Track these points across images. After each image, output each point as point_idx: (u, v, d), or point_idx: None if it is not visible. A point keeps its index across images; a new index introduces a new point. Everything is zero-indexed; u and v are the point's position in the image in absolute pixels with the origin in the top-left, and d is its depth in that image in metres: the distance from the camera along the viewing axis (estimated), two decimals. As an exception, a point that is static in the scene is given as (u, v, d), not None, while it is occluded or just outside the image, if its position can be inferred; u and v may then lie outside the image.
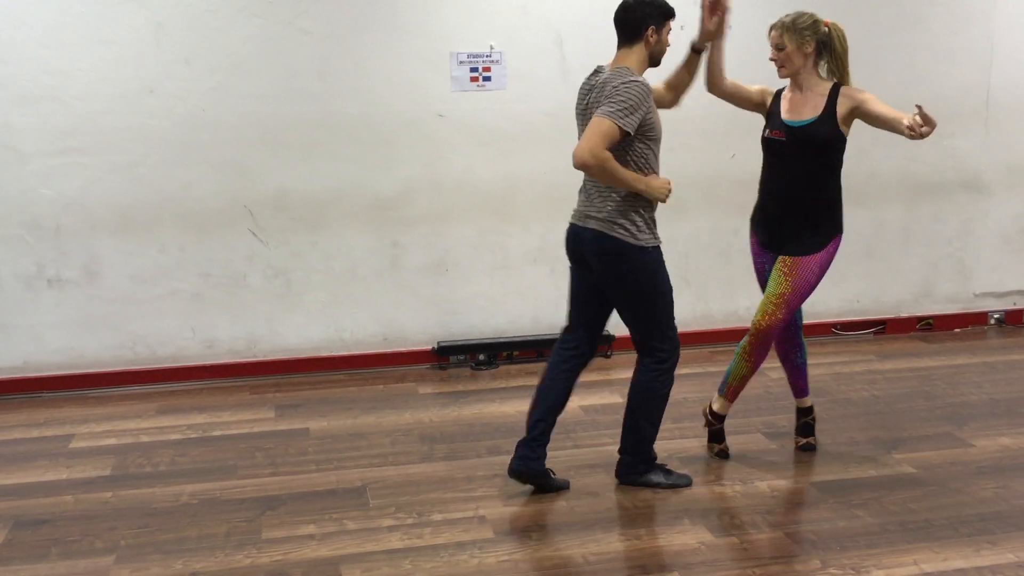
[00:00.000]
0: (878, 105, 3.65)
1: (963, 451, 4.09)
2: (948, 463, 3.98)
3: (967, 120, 5.70)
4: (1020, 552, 3.26)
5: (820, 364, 5.25)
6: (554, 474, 3.79)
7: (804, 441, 4.15)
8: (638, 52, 3.56)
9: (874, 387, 4.90)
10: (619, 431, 3.89)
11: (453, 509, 3.63)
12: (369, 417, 4.60)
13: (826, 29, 3.70)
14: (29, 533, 3.51)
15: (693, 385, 4.91)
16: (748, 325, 5.72)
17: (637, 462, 3.79)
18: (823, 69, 3.77)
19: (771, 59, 3.75)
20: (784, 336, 4.01)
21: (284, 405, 4.78)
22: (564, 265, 5.36)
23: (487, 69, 5.11)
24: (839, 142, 3.73)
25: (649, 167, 3.54)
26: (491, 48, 5.10)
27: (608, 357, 5.41)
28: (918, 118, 3.36)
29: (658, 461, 3.85)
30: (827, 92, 3.72)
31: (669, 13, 3.57)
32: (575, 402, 4.71)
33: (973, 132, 5.74)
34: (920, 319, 5.91)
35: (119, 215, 4.90)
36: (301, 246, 5.11)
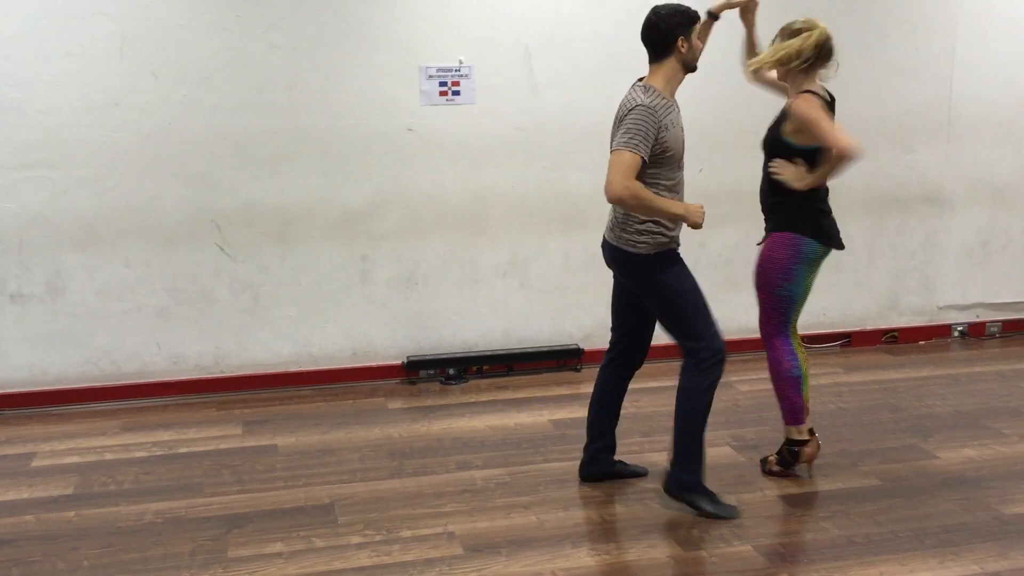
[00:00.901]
0: (788, 126, 3.72)
1: (928, 463, 4.14)
2: (913, 475, 4.03)
3: (930, 135, 5.79)
4: (984, 563, 3.30)
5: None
6: (627, 464, 4.03)
7: (770, 457, 4.12)
8: (668, 66, 3.57)
9: (840, 399, 4.94)
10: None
11: (422, 525, 3.61)
12: (338, 433, 4.57)
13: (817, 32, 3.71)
14: (-11, 554, 3.45)
15: (663, 399, 4.92)
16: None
17: (684, 475, 3.68)
18: (820, 76, 3.79)
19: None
20: None
21: (252, 421, 4.74)
22: (533, 279, 5.41)
23: (456, 83, 5.12)
24: (784, 149, 3.78)
25: (663, 187, 3.55)
26: (460, 62, 5.10)
27: (578, 371, 5.42)
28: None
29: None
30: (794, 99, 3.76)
31: (695, 18, 3.56)
32: (545, 416, 4.72)
33: (936, 147, 5.83)
34: (885, 331, 5.98)
35: (84, 229, 4.84)
36: (269, 260, 5.08)
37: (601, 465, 3.97)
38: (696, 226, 3.56)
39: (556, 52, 5.21)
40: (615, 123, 3.61)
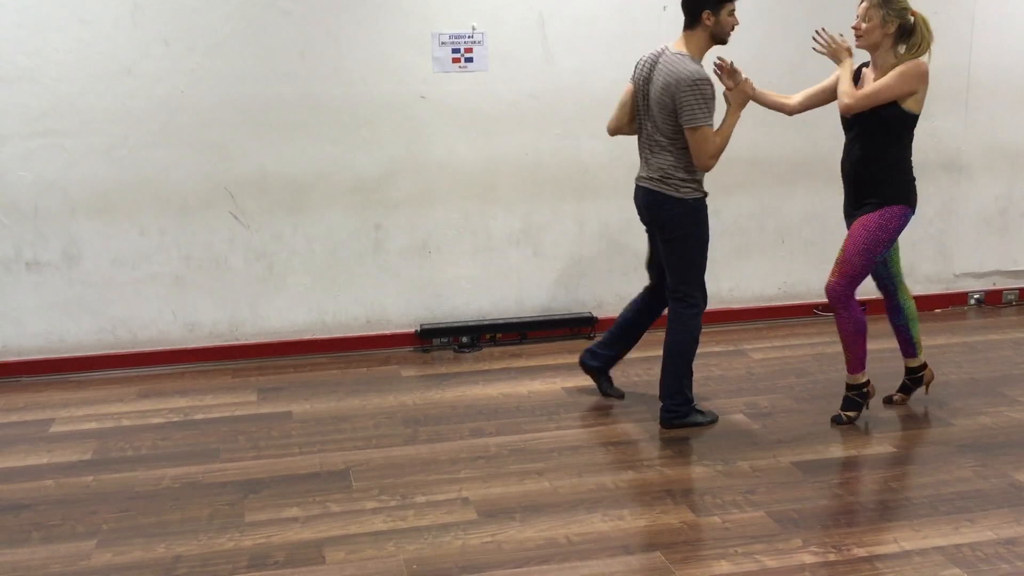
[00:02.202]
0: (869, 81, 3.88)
1: (943, 430, 4.13)
2: (928, 442, 4.02)
3: (948, 101, 5.72)
4: (998, 529, 3.30)
5: (803, 345, 5.28)
6: (612, 382, 4.52)
7: (895, 396, 4.42)
8: (698, 35, 3.88)
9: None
10: (600, 413, 4.16)
11: (436, 491, 3.63)
12: (352, 400, 4.59)
13: (912, 19, 3.81)
14: (10, 518, 3.49)
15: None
16: (730, 307, 5.75)
17: (679, 404, 4.14)
18: (902, 50, 3.85)
19: (853, 27, 3.86)
20: (885, 301, 4.32)
21: (267, 388, 4.77)
22: (547, 247, 5.40)
23: (469, 50, 5.09)
24: (893, 118, 3.84)
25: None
26: (473, 29, 5.07)
27: (591, 339, 5.42)
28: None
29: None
30: (889, 71, 3.82)
31: None
32: (558, 383, 4.73)
33: (954, 113, 5.76)
34: (901, 300, 5.93)
35: (98, 197, 4.85)
36: (283, 229, 5.08)
37: (596, 363, 4.47)
38: (742, 97, 4.00)
39: (570, 19, 5.16)
40: (661, 89, 3.88)
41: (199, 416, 4.42)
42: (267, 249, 5.09)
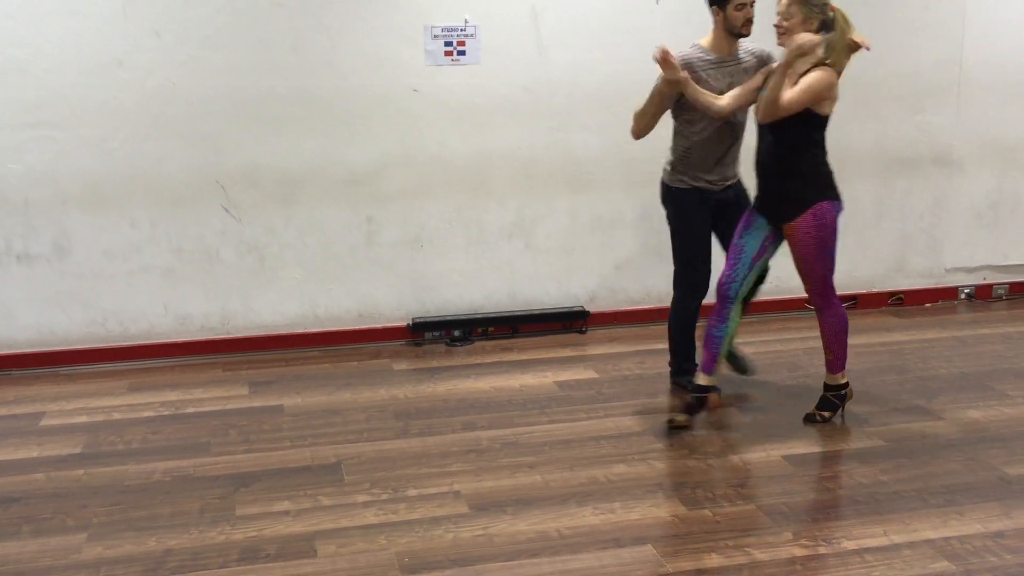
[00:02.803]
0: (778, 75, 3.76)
1: (932, 424, 4.14)
2: (918, 436, 4.03)
3: (940, 96, 5.73)
4: (987, 522, 3.31)
5: (793, 339, 5.29)
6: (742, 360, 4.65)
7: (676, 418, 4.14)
8: (715, 29, 4.14)
9: (847, 360, 4.94)
10: (591, 407, 4.28)
11: (428, 484, 3.63)
12: (344, 393, 4.59)
13: (832, 14, 3.80)
14: (0, 511, 3.48)
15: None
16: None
17: (682, 368, 4.50)
18: (820, 49, 3.80)
19: (775, 24, 3.84)
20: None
21: (258, 382, 4.76)
22: (539, 241, 5.40)
23: (462, 43, 5.07)
24: (798, 118, 3.77)
25: (692, 133, 4.24)
26: (466, 22, 5.06)
27: (583, 333, 5.43)
28: None
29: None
30: (802, 73, 3.78)
31: None
32: (550, 377, 4.74)
33: (945, 108, 5.77)
34: (891, 294, 5.96)
35: (89, 190, 4.84)
36: (274, 222, 5.07)
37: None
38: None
39: (563, 12, 5.15)
40: None
41: (190, 409, 4.42)
42: (259, 242, 5.08)
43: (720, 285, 4.01)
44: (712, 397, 4.09)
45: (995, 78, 5.77)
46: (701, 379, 4.07)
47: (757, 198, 4.05)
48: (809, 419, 4.17)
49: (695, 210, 4.29)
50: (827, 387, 4.18)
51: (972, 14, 5.66)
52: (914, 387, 4.58)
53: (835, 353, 4.09)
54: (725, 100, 4.02)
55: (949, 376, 4.73)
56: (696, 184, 4.26)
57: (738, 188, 4.38)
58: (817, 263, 3.91)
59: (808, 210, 3.85)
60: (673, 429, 4.06)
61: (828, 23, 3.79)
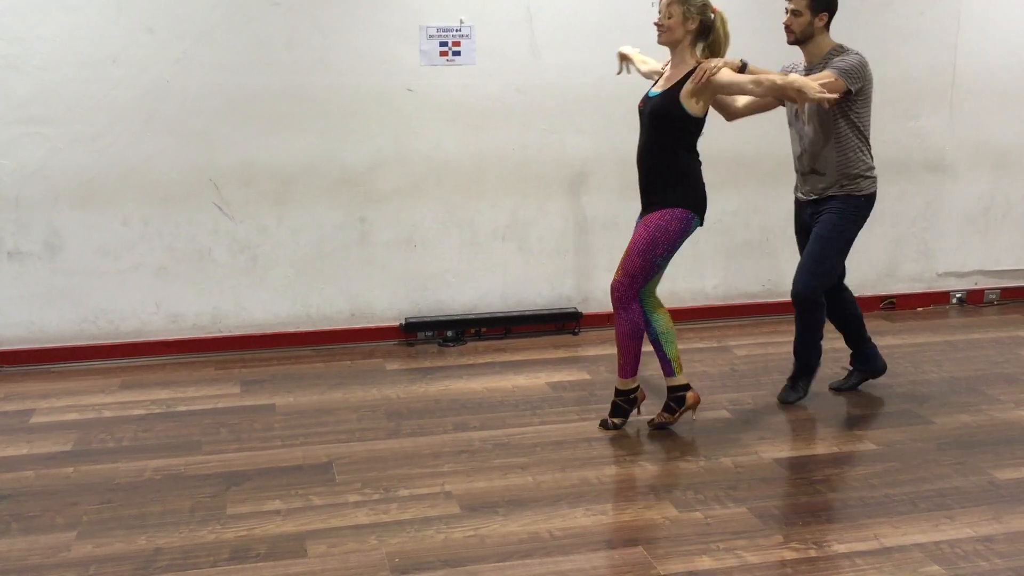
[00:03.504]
0: (726, 75, 3.76)
1: (923, 428, 4.15)
2: (909, 440, 4.04)
3: (933, 101, 5.76)
4: (977, 527, 3.32)
5: (786, 342, 5.26)
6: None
7: (655, 418, 4.16)
8: None
9: (838, 364, 4.94)
10: (584, 408, 4.28)
11: (419, 485, 3.63)
12: (336, 393, 4.58)
13: (712, 15, 3.83)
14: (-11, 508, 3.47)
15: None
16: (715, 303, 5.75)
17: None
18: (699, 49, 3.87)
19: (655, 23, 3.86)
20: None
21: (250, 381, 4.75)
22: (532, 242, 5.40)
23: (456, 44, 5.07)
24: (681, 119, 3.82)
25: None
26: (461, 22, 5.05)
27: (575, 334, 5.43)
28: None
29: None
30: (685, 71, 3.83)
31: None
32: (542, 378, 4.74)
33: (938, 113, 5.79)
34: (883, 298, 5.98)
35: (81, 187, 4.82)
36: (267, 220, 5.06)
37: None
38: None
39: (558, 14, 5.16)
40: None
41: (181, 408, 4.40)
42: (251, 241, 5.07)
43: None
44: (640, 393, 4.16)
45: (988, 84, 5.80)
46: (619, 383, 4.10)
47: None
48: (603, 425, 4.11)
49: (794, 219, 4.52)
50: (617, 392, 4.12)
51: (966, 20, 5.68)
52: (905, 391, 4.59)
53: (624, 357, 4.03)
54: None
55: (940, 380, 4.74)
56: (795, 193, 4.45)
57: (821, 207, 4.23)
58: (640, 257, 3.91)
59: (664, 211, 3.89)
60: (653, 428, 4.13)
61: (708, 25, 3.82)
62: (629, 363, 4.04)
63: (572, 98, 5.24)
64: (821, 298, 4.25)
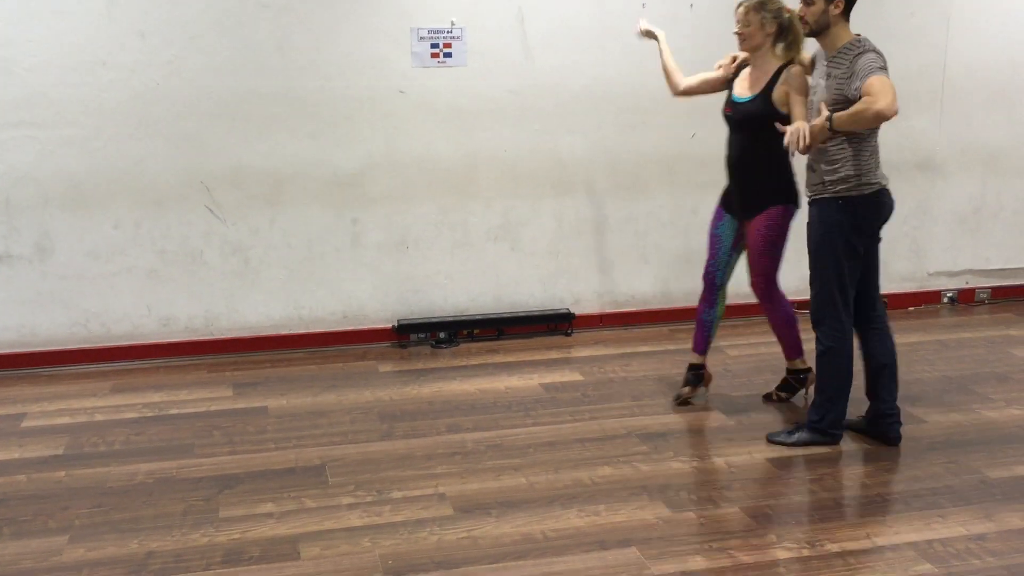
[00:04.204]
0: (795, 107, 3.91)
1: (916, 427, 4.16)
2: (901, 439, 4.05)
3: (923, 101, 5.77)
4: (969, 525, 3.33)
5: (777, 343, 5.29)
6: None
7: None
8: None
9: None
10: (577, 409, 4.32)
11: (412, 487, 3.63)
12: (328, 395, 4.58)
13: (788, 16, 3.97)
14: (-20, 513, 3.45)
15: (653, 363, 4.95)
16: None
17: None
18: (779, 49, 4.03)
19: (735, 32, 4.02)
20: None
21: (242, 383, 4.74)
22: (525, 243, 5.39)
23: (448, 45, 5.07)
24: (776, 120, 3.90)
25: None
26: (452, 24, 5.05)
27: (568, 335, 5.43)
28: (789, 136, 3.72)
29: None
30: (773, 72, 4.00)
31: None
32: (535, 379, 4.74)
33: (929, 113, 5.81)
34: (875, 298, 5.98)
35: (72, 190, 4.80)
36: (259, 223, 5.05)
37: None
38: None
39: (549, 15, 5.16)
40: None
41: (174, 411, 4.39)
42: (243, 243, 5.06)
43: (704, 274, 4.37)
44: (706, 373, 4.45)
45: (978, 84, 5.81)
46: (694, 358, 4.41)
47: (728, 198, 4.30)
48: (767, 398, 4.46)
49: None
50: (789, 372, 4.46)
51: (956, 21, 5.70)
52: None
53: (788, 342, 4.37)
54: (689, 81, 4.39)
55: (931, 380, 4.75)
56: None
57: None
58: (769, 256, 4.18)
59: (770, 209, 4.10)
60: (681, 403, 4.38)
61: (785, 26, 3.98)
62: (792, 346, 4.35)
63: (564, 99, 5.24)
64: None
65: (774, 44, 4.01)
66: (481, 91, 5.15)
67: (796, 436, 3.97)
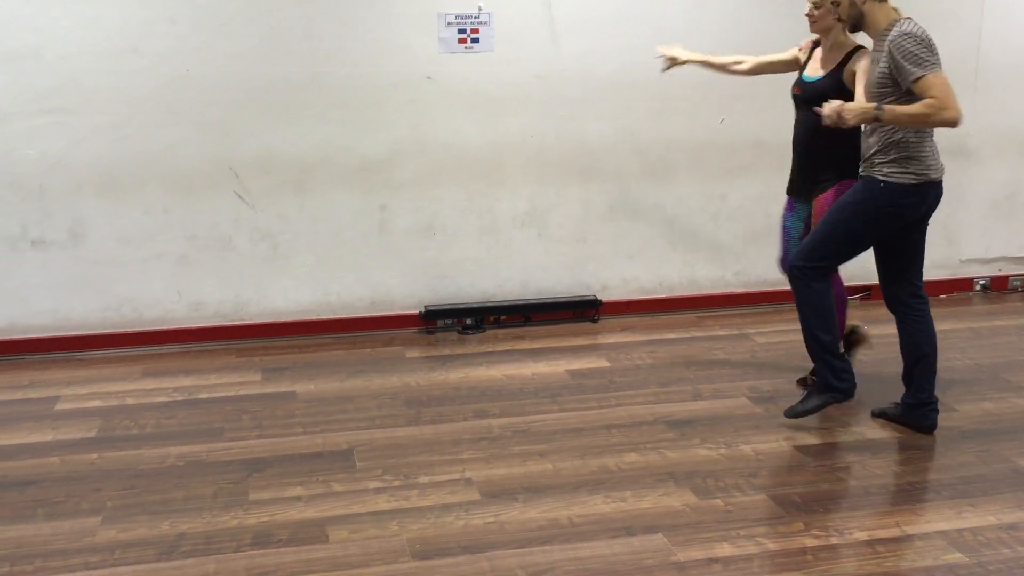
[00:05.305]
0: (857, 87, 3.89)
1: (947, 415, 4.12)
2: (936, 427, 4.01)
3: (956, 86, 5.56)
4: (1000, 514, 3.30)
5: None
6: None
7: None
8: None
9: (860, 351, 4.92)
10: (603, 396, 4.27)
11: (439, 472, 3.64)
12: (356, 380, 4.60)
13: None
14: (15, 494, 3.51)
15: (680, 349, 4.94)
16: (735, 291, 5.72)
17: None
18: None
19: (806, 15, 4.04)
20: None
21: (271, 368, 4.78)
22: (552, 229, 5.39)
23: (475, 31, 5.06)
24: (846, 99, 3.84)
25: None
26: (479, 9, 5.04)
27: (595, 322, 5.43)
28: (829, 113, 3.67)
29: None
30: (844, 53, 4.00)
31: None
32: (562, 366, 4.74)
33: (962, 98, 5.63)
34: (906, 285, 5.91)
35: (103, 176, 4.85)
36: (287, 209, 5.08)
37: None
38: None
39: (577, 0, 5.14)
40: None
41: (203, 395, 4.44)
42: (272, 229, 5.09)
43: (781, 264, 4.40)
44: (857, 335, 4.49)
45: (1013, 68, 5.72)
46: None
47: (792, 181, 4.30)
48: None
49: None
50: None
51: (990, 3, 5.60)
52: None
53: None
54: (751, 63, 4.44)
55: (963, 368, 4.70)
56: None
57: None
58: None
59: (836, 186, 4.05)
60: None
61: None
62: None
63: (591, 85, 5.22)
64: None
65: (846, 26, 3.95)
66: (508, 77, 5.14)
67: (809, 403, 3.96)
